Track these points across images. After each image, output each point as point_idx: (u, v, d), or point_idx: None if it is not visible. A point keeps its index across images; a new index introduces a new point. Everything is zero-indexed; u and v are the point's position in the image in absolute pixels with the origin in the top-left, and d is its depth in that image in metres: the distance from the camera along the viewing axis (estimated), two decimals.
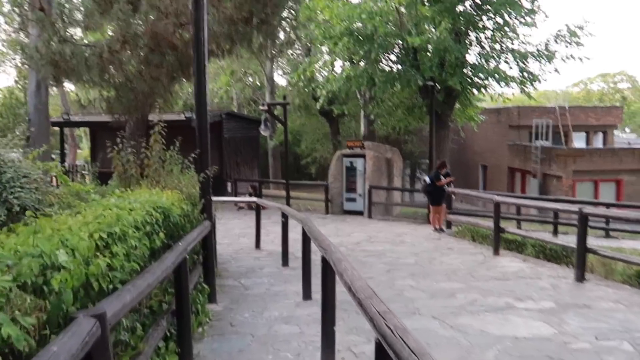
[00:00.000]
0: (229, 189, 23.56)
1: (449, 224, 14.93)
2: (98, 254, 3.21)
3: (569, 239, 11.21)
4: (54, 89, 34.73)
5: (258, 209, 13.34)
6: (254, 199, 14.30)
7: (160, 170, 6.97)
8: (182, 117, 21.45)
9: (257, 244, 13.24)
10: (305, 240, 7.76)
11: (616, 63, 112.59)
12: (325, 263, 5.09)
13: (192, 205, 7.37)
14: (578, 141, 31.84)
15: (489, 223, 12.36)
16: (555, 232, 14.34)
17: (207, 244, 7.65)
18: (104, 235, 3.37)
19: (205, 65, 7.54)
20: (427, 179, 15.31)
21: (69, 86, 31.96)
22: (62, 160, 25.14)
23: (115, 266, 3.31)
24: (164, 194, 6.00)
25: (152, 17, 10.60)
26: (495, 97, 20.71)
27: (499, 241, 11.43)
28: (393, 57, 20.41)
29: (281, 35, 20.60)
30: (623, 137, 38.07)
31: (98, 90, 12.59)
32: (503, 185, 31.09)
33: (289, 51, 29.43)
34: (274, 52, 14.72)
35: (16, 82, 32.52)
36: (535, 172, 27.74)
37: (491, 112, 30.94)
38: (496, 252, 11.36)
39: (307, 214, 20.57)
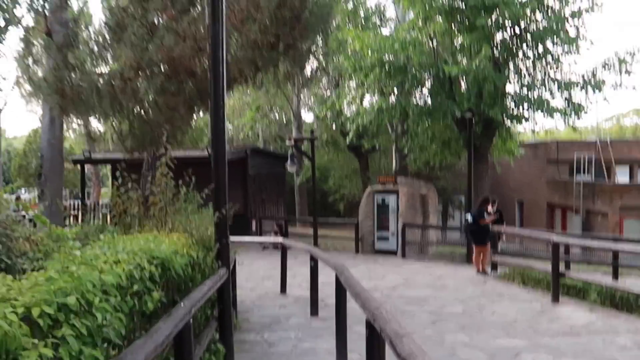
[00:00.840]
0: (254, 227, 22.44)
1: (494, 266, 13.52)
2: (36, 341, 2.06)
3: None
4: (81, 127, 34.35)
5: (284, 250, 12.16)
6: (279, 239, 13.12)
7: (168, 209, 5.86)
8: (205, 153, 20.57)
9: (283, 289, 12.04)
10: (340, 291, 6.54)
11: None
12: (372, 332, 3.87)
13: (206, 249, 6.24)
14: (621, 176, 30.14)
15: (544, 266, 10.99)
16: (616, 276, 12.82)
17: (224, 295, 6.46)
18: (50, 310, 2.22)
19: (224, 86, 6.49)
20: (469, 217, 14.00)
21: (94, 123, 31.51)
22: (83, 199, 24.36)
23: (62, 357, 2.16)
24: (166, 239, 4.88)
25: (168, 41, 9.69)
26: (537, 131, 19.36)
27: (558, 287, 10.04)
28: (425, 90, 19.31)
29: (309, 67, 19.54)
30: None
31: (110, 123, 11.63)
32: (542, 222, 29.44)
33: (316, 85, 28.63)
34: (301, 82, 13.69)
35: (40, 121, 32.22)
36: (578, 209, 26.15)
37: (528, 147, 29.56)
38: (555, 299, 9.96)
39: (335, 254, 19.36)
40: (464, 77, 17.07)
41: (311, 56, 13.74)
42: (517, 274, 12.42)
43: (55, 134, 13.30)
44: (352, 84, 22.91)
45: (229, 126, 37.76)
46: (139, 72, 10.03)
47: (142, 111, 10.33)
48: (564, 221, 28.81)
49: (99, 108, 10.17)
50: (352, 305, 6.43)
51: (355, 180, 30.20)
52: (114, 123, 11.41)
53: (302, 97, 31.30)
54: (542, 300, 10.30)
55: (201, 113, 12.20)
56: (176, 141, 10.93)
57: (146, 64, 9.90)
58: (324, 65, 23.15)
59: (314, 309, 9.41)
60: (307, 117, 37.56)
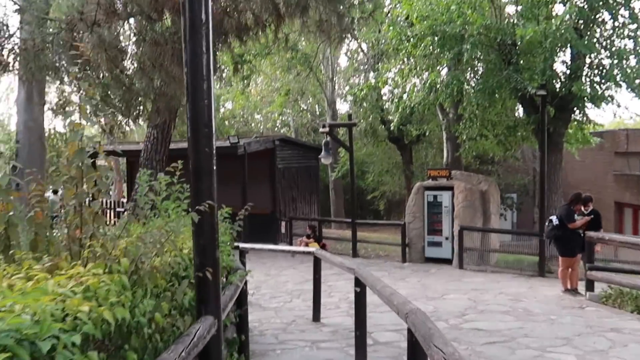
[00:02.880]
0: (283, 229, 19.60)
1: (589, 284, 10.36)
2: None
3: None
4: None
5: (317, 264, 9.26)
6: (310, 248, 10.27)
7: (85, 218, 3.00)
8: (226, 143, 17.88)
9: (316, 314, 9.14)
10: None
11: None
12: None
13: (175, 283, 3.39)
14: None
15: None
16: None
17: None
18: None
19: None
20: (554, 220, 10.89)
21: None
22: (93, 197, 21.81)
23: None
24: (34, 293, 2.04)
25: None
26: (620, 114, 16.06)
27: None
28: (484, 63, 16.11)
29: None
30: None
31: (80, 89, 8.88)
32: (609, 224, 25.85)
33: (352, 67, 25.57)
34: (342, 36, 10.72)
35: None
36: None
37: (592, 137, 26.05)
38: None
39: (378, 262, 16.42)
40: (536, 45, 13.84)
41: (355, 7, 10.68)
42: (626, 297, 9.28)
43: (33, 115, 10.60)
44: (394, 67, 19.92)
45: (256, 116, 35.02)
46: (113, 15, 7.23)
47: (119, 70, 7.52)
48: (635, 222, 25.21)
49: (62, 67, 7.43)
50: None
51: (398, 176, 27.10)
52: (85, 88, 8.59)
53: (336, 82, 28.29)
54: None
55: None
56: (170, 116, 8.16)
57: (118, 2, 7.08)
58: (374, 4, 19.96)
59: (361, 355, 6.48)
60: (342, 107, 34.67)
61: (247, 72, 21.66)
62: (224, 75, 20.29)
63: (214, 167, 3.74)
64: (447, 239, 15.65)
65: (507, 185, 29.05)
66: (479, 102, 14.71)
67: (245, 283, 6.27)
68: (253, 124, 35.49)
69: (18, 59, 7.97)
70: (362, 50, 24.22)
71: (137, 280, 2.81)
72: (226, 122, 34.12)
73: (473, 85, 15.23)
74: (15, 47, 7.97)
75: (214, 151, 3.73)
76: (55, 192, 23.64)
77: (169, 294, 3.30)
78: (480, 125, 16.74)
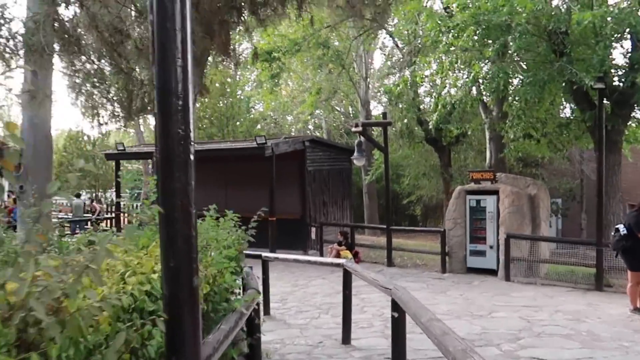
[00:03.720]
0: (314, 235, 18.46)
1: None
2: None
3: None
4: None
5: (347, 278, 8.10)
6: (340, 260, 9.12)
7: None
8: (253, 144, 16.84)
9: (346, 336, 7.98)
10: None
11: None
12: None
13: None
14: None
15: None
16: None
17: None
18: None
19: None
20: (622, 229, 9.49)
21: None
22: (118, 200, 21.17)
23: None
24: None
25: None
26: None
27: None
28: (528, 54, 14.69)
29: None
30: None
31: (71, 79, 7.79)
32: None
33: (386, 64, 24.32)
34: (375, 15, 9.51)
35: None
36: None
37: None
38: None
39: (416, 273, 15.15)
40: (591, 34, 12.45)
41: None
42: None
43: (40, 112, 9.71)
44: (433, 60, 18.63)
45: (287, 118, 34.07)
46: None
47: (117, 54, 6.41)
48: None
49: (44, 44, 6.36)
50: None
51: (435, 179, 25.71)
52: (77, 77, 7.52)
53: (370, 83, 27.05)
54: None
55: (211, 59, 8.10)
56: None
57: None
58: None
59: None
60: (376, 110, 33.44)
61: (276, 70, 20.65)
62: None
63: (192, 157, 2.61)
64: (491, 247, 14.28)
65: (552, 189, 27.33)
66: (528, 97, 13.31)
67: (255, 310, 5.13)
68: (284, 126, 34.54)
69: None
70: (397, 46, 22.97)
71: (36, 337, 1.69)
72: (259, 125, 33.32)
73: (521, 78, 13.84)
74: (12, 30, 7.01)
75: (191, 133, 2.61)
76: (78, 195, 22.81)
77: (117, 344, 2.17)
78: (528, 124, 15.32)
